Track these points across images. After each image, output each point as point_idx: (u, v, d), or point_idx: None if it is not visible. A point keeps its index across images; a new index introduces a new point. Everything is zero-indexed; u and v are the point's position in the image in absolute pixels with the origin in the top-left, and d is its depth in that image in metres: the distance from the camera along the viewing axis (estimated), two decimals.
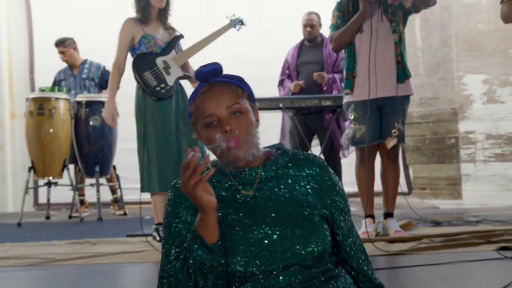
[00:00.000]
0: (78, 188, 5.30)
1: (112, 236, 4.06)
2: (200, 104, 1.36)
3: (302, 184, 1.38)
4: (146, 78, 3.59)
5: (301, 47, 5.03)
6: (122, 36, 3.67)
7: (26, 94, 6.21)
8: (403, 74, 3.51)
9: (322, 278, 1.32)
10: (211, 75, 1.37)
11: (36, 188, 5.61)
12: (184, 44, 3.85)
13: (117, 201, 5.59)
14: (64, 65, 5.61)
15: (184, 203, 1.35)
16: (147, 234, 3.87)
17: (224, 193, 1.36)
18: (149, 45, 3.65)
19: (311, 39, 4.95)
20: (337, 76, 4.78)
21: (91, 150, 5.11)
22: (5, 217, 5.64)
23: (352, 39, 3.55)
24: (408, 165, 6.54)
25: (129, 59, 3.69)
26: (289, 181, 1.37)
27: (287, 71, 5.05)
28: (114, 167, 5.42)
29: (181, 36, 3.80)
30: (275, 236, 1.29)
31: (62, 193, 5.54)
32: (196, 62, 3.79)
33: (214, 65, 1.37)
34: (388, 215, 3.65)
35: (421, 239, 3.39)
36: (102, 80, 5.50)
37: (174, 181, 1.40)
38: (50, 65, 6.03)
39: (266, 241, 1.29)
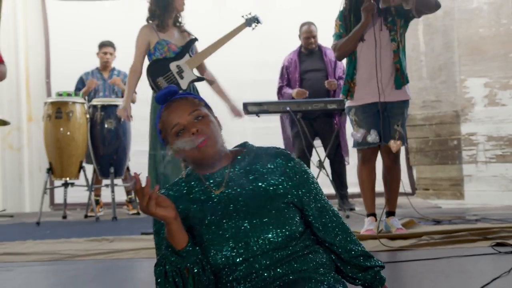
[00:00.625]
0: (94, 189, 5.47)
1: (127, 234, 4.22)
2: (165, 119, 1.53)
3: (269, 176, 1.51)
4: (160, 83, 3.76)
5: (300, 54, 5.23)
6: (138, 42, 3.84)
7: (42, 98, 6.41)
8: (401, 81, 3.66)
9: (300, 253, 1.46)
10: (168, 95, 1.55)
11: (52, 188, 5.78)
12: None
13: (131, 201, 5.76)
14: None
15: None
16: None
17: (202, 197, 1.50)
18: (163, 50, 3.78)
19: (312, 49, 5.17)
20: (341, 82, 4.97)
21: (106, 152, 5.26)
22: (23, 216, 5.83)
23: (355, 48, 3.70)
24: (411, 166, 6.59)
25: (146, 62, 3.86)
26: (257, 175, 1.51)
27: (286, 77, 5.23)
28: (128, 168, 5.57)
29: (195, 40, 3.91)
30: (248, 227, 1.44)
31: (77, 194, 5.69)
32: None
33: (168, 88, 1.56)
34: (390, 213, 3.80)
35: (421, 236, 3.54)
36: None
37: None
38: (66, 70, 6.24)
39: (240, 234, 1.43)
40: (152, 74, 3.76)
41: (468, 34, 5.88)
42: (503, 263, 2.73)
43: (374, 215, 3.77)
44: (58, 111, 5.03)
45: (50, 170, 5.15)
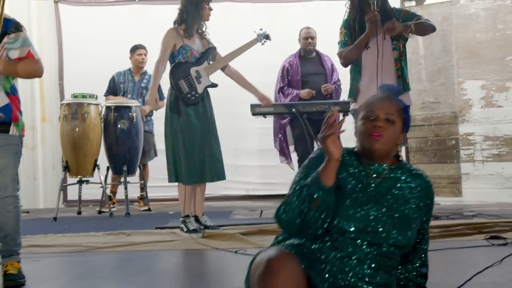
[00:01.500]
0: (111, 185, 5.70)
1: (140, 228, 4.41)
2: (371, 102, 1.77)
3: (411, 190, 1.74)
4: (180, 85, 4.05)
5: (300, 58, 5.47)
6: (165, 41, 4.11)
7: (56, 99, 6.62)
8: (402, 87, 3.84)
9: (387, 268, 1.67)
10: (390, 91, 1.82)
11: (66, 186, 5.94)
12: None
13: (143, 198, 5.96)
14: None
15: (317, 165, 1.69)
16: (175, 227, 4.31)
17: (361, 177, 1.73)
18: (186, 55, 4.10)
19: (310, 50, 5.41)
20: (335, 86, 5.35)
21: (119, 151, 5.45)
22: (38, 212, 6.02)
23: (359, 55, 3.88)
24: (411, 165, 6.73)
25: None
26: (404, 185, 1.74)
27: (287, 79, 5.43)
28: (140, 167, 5.76)
29: (214, 48, 4.25)
30: (380, 217, 1.65)
31: (89, 191, 5.84)
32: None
33: (396, 87, 1.89)
34: None
35: None
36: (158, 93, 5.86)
37: (320, 150, 1.77)
38: (78, 72, 6.45)
39: (374, 223, 1.64)
40: (175, 76, 4.05)
41: (465, 39, 6.06)
42: (496, 254, 2.96)
43: None
44: (74, 112, 5.22)
45: (66, 168, 5.35)
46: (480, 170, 6.03)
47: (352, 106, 4.01)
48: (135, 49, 5.87)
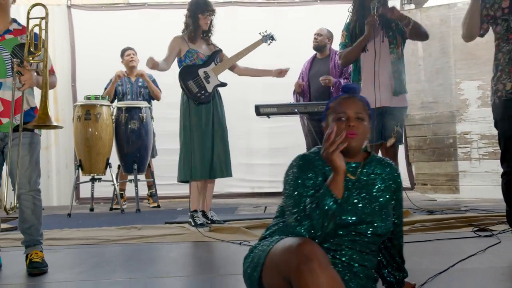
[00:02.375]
0: (120, 183, 5.93)
1: (150, 223, 4.63)
2: (340, 103, 1.92)
3: (383, 181, 1.94)
4: (190, 86, 4.30)
5: (313, 60, 5.57)
6: (171, 46, 4.41)
7: (68, 101, 6.86)
8: (397, 89, 4.06)
9: (372, 252, 1.90)
10: (353, 90, 1.97)
11: (81, 183, 6.16)
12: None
13: (152, 195, 6.20)
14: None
15: (312, 171, 1.87)
16: (183, 221, 4.56)
17: (329, 172, 1.90)
18: (193, 58, 4.36)
19: (317, 46, 5.47)
20: (342, 80, 5.26)
21: (130, 150, 5.69)
22: (53, 209, 6.24)
23: (358, 57, 4.11)
24: (411, 163, 6.88)
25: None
26: (378, 177, 1.95)
27: (302, 80, 5.63)
28: (149, 165, 5.99)
29: (219, 51, 4.51)
30: (364, 209, 1.87)
31: (100, 189, 6.11)
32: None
33: (356, 85, 2.00)
34: None
35: (414, 224, 3.99)
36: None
37: (303, 154, 1.94)
38: (90, 75, 6.64)
39: (357, 209, 1.86)
40: (184, 78, 4.31)
41: (462, 41, 6.03)
42: (481, 244, 3.18)
43: None
44: (87, 113, 5.47)
45: (80, 167, 5.60)
46: (477, 167, 6.21)
47: None
48: (123, 52, 6.11)
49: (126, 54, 6.09)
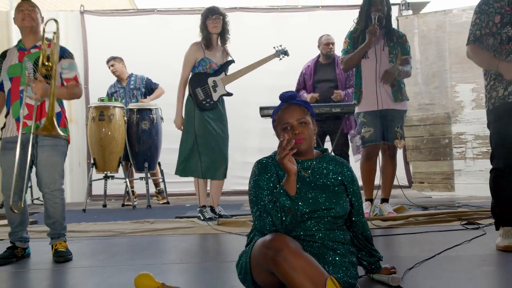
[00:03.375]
0: (129, 181, 6.22)
1: (162, 218, 4.91)
2: (281, 115, 2.19)
3: (334, 172, 2.26)
4: (197, 92, 4.56)
5: (316, 64, 5.66)
6: (188, 58, 4.62)
7: (81, 103, 7.12)
8: (397, 96, 4.34)
9: (339, 228, 2.20)
10: (290, 98, 2.23)
11: (95, 180, 6.44)
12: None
13: (160, 192, 6.48)
14: (112, 80, 6.48)
15: (266, 174, 2.17)
16: (192, 216, 4.85)
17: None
18: (205, 67, 4.60)
19: (330, 55, 5.56)
20: (349, 90, 5.41)
21: (141, 149, 5.98)
22: (67, 206, 6.30)
23: (358, 63, 4.39)
24: (408, 162, 7.11)
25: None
26: (329, 171, 2.26)
27: (303, 82, 5.82)
28: (159, 164, 6.29)
29: (232, 61, 4.71)
30: (319, 197, 2.16)
31: (111, 186, 6.39)
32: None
33: (292, 92, 2.22)
34: (384, 200, 4.54)
35: (408, 218, 4.28)
36: (147, 89, 6.37)
37: (260, 159, 2.25)
38: (102, 78, 6.85)
39: (315, 198, 2.15)
40: (192, 84, 4.56)
41: (458, 45, 6.39)
42: (467, 236, 3.47)
43: (371, 200, 4.49)
44: (101, 114, 5.75)
45: (94, 165, 5.90)
46: (471, 166, 6.44)
47: (357, 109, 4.48)
48: (107, 62, 6.41)
49: (109, 65, 6.39)
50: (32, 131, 3.23)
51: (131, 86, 6.41)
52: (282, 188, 2.06)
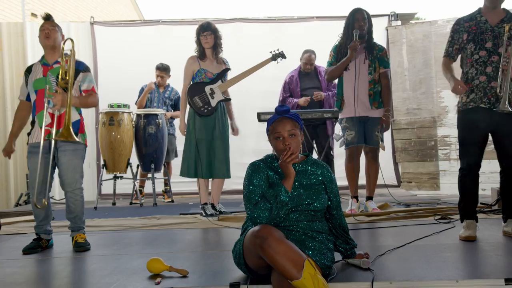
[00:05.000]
0: (139, 181, 6.66)
1: (168, 214, 5.32)
2: (275, 126, 2.61)
3: (315, 173, 2.69)
4: (195, 101, 4.99)
5: (299, 74, 6.26)
6: (186, 71, 5.09)
7: (91, 108, 7.53)
8: (373, 104, 4.77)
9: (318, 220, 2.64)
10: (284, 112, 2.66)
11: (105, 180, 6.85)
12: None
13: (166, 192, 6.93)
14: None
15: (258, 174, 2.61)
16: (195, 213, 5.31)
17: (279, 171, 2.65)
18: (202, 77, 5.05)
19: (306, 73, 6.24)
20: (330, 93, 6.08)
21: (148, 152, 6.40)
22: None
23: (340, 74, 4.85)
24: (397, 162, 7.46)
25: None
26: (311, 173, 2.70)
27: (288, 91, 6.27)
28: (164, 165, 6.73)
29: (228, 69, 5.13)
30: (302, 194, 2.61)
31: (119, 186, 6.77)
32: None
33: (286, 107, 2.64)
34: (369, 198, 4.98)
35: (390, 214, 4.73)
36: (174, 104, 6.80)
37: (253, 161, 2.68)
38: (110, 85, 7.30)
39: (298, 195, 2.60)
40: (191, 94, 4.99)
41: (442, 54, 6.78)
42: (439, 229, 3.92)
43: (356, 197, 4.95)
44: (111, 119, 6.19)
45: (105, 166, 6.35)
46: (455, 167, 6.74)
47: (340, 115, 4.95)
48: (156, 69, 6.75)
49: (156, 73, 6.76)
50: (53, 137, 3.70)
51: (166, 95, 6.81)
52: (281, 186, 2.54)
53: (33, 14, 10.37)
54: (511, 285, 2.48)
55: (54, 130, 3.70)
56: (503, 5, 3.69)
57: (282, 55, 5.19)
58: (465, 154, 3.68)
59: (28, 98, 3.89)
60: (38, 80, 3.80)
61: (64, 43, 3.85)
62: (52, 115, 3.73)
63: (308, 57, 6.26)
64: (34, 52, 7.47)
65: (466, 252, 3.23)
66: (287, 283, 2.30)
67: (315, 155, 6.12)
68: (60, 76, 3.73)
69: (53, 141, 3.72)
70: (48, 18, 3.87)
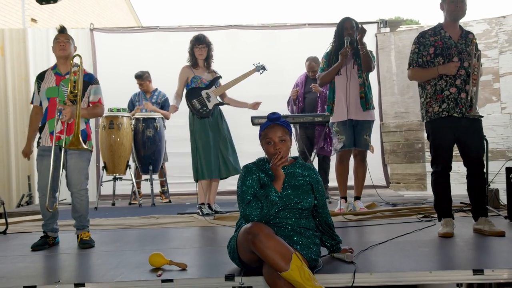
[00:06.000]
0: (136, 182, 6.92)
1: (166, 214, 5.56)
2: (267, 132, 2.88)
3: (302, 174, 2.95)
4: (194, 103, 5.31)
5: (306, 78, 6.56)
6: (180, 77, 5.42)
7: None
8: (365, 106, 5.04)
9: (305, 217, 2.90)
10: (275, 119, 2.93)
11: (102, 182, 7.12)
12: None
13: (164, 192, 7.19)
14: (122, 91, 7.16)
15: (251, 176, 2.89)
16: (192, 212, 5.57)
17: (270, 173, 2.91)
18: (197, 82, 5.37)
19: (313, 77, 6.43)
20: (325, 90, 6.14)
21: (146, 154, 6.66)
22: None
23: (332, 79, 5.12)
24: (386, 164, 7.73)
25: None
26: (298, 175, 2.96)
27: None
28: (162, 166, 6.96)
29: (219, 77, 5.48)
30: (290, 194, 2.87)
31: (118, 187, 6.99)
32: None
33: (278, 115, 2.90)
34: (356, 198, 5.25)
35: (376, 213, 5.00)
36: (164, 105, 7.02)
37: (246, 164, 2.97)
38: (109, 90, 7.05)
39: (287, 195, 2.86)
40: (189, 97, 5.33)
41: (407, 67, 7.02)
42: (420, 226, 4.20)
43: (345, 198, 5.23)
44: (111, 123, 6.43)
45: (105, 168, 6.60)
46: None
47: (331, 119, 5.22)
48: (136, 77, 6.99)
49: (137, 82, 7.03)
50: (63, 144, 3.96)
51: (153, 100, 7.05)
52: (272, 187, 2.82)
53: (32, 19, 10.61)
54: (478, 275, 2.76)
55: (64, 137, 3.96)
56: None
57: (263, 68, 5.58)
58: (439, 159, 3.96)
59: (40, 103, 4.13)
60: (51, 89, 4.04)
61: (72, 59, 4.08)
62: (63, 123, 3.98)
63: (308, 65, 6.55)
64: (35, 57, 7.73)
65: (441, 247, 3.50)
66: (277, 275, 2.56)
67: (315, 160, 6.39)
68: (69, 89, 3.96)
69: (63, 148, 3.97)
70: (62, 30, 4.13)
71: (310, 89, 6.46)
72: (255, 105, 5.64)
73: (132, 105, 7.12)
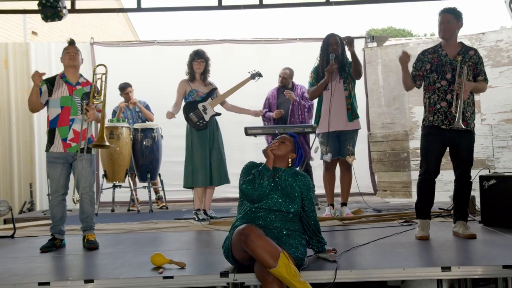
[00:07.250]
0: (134, 189, 7.22)
1: (164, 219, 5.88)
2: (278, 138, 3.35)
3: (295, 182, 3.29)
4: (191, 117, 5.63)
5: (278, 90, 6.77)
6: (178, 90, 5.74)
7: (92, 122, 8.08)
8: (351, 116, 5.39)
9: (291, 220, 3.22)
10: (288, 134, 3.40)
11: (102, 189, 7.41)
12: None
13: (160, 199, 7.46)
14: (114, 102, 7.41)
15: (250, 168, 3.27)
16: (188, 218, 5.88)
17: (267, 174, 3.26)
18: (193, 96, 5.69)
19: (284, 86, 6.73)
20: (303, 101, 6.49)
21: (144, 162, 6.96)
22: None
23: (321, 94, 5.45)
24: (374, 172, 8.01)
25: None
26: (291, 179, 3.30)
27: (268, 106, 6.78)
28: (159, 175, 7.27)
29: (215, 89, 5.79)
30: (279, 198, 3.21)
31: (117, 194, 7.22)
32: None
33: (290, 133, 3.42)
34: (343, 204, 5.58)
35: (361, 218, 5.33)
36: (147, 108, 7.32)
37: (247, 162, 3.34)
38: (109, 101, 7.58)
39: (276, 199, 3.19)
40: (186, 111, 5.64)
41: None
42: (400, 230, 4.53)
43: (332, 205, 5.55)
44: (111, 133, 6.70)
45: (105, 176, 6.90)
46: None
47: (317, 130, 5.57)
48: (123, 88, 7.25)
49: (125, 92, 7.29)
50: (76, 150, 4.28)
51: (137, 110, 7.34)
52: (264, 166, 3.25)
53: (33, 32, 10.94)
54: (446, 271, 3.10)
55: (73, 144, 4.30)
56: (461, 39, 4.36)
57: (259, 74, 5.89)
58: (426, 162, 4.30)
59: (46, 103, 4.37)
60: (65, 98, 4.33)
61: (96, 67, 4.46)
62: (76, 132, 4.31)
63: (282, 71, 6.78)
64: (38, 70, 7.97)
65: (417, 248, 3.84)
66: (266, 271, 2.87)
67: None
68: (91, 94, 4.32)
69: (75, 154, 4.28)
70: (72, 43, 4.47)
71: (283, 101, 6.64)
72: (258, 113, 5.97)
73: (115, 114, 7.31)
